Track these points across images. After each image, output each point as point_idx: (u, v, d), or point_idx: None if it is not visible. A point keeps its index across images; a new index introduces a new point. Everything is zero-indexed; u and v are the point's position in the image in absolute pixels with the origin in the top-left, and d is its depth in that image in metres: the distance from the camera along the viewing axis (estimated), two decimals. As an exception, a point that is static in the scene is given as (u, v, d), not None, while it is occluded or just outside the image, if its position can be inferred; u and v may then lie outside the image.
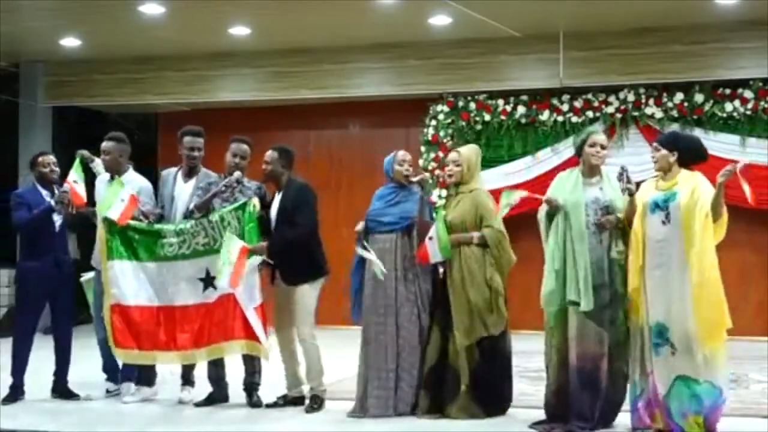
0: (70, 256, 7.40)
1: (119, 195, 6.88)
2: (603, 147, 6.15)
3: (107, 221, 6.84)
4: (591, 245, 5.96)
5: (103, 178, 7.42)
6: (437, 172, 10.98)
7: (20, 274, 7.32)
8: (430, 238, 6.37)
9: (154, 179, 7.55)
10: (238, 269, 6.48)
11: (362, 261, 6.65)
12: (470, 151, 6.69)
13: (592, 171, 6.13)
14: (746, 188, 5.53)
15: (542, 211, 6.22)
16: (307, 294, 6.78)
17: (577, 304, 5.92)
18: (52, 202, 7.06)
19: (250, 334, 6.64)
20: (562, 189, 6.14)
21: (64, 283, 7.25)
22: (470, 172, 6.56)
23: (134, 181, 7.23)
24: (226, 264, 6.46)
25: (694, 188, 5.76)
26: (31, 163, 7.39)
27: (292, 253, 6.72)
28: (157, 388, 7.30)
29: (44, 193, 7.22)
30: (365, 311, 6.62)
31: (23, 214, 7.17)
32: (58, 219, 7.19)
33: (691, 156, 5.95)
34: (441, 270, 6.58)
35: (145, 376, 7.25)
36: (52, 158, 7.34)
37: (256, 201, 6.77)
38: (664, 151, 5.90)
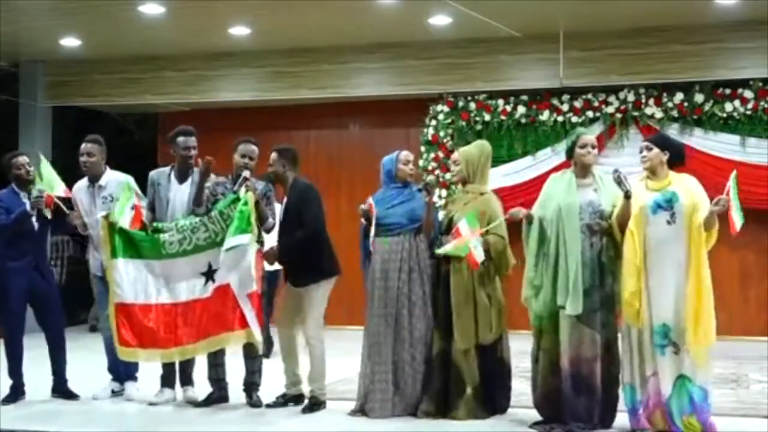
0: (50, 257, 7.33)
1: (129, 203, 6.89)
2: (593, 147, 6.17)
3: (107, 221, 6.84)
4: (582, 248, 5.94)
5: (82, 185, 7.34)
6: (437, 172, 11.00)
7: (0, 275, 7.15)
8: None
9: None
10: (257, 274, 6.56)
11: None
12: (473, 149, 6.63)
13: (584, 171, 6.13)
14: (734, 216, 5.63)
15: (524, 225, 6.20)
16: (316, 295, 6.76)
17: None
18: (28, 206, 7.01)
19: (247, 324, 6.58)
20: (555, 191, 6.13)
21: (46, 284, 7.22)
22: (473, 171, 6.50)
23: (119, 179, 7.18)
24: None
25: (691, 192, 5.82)
26: (5, 166, 7.27)
27: (300, 254, 6.71)
28: (176, 392, 7.19)
29: (21, 194, 7.13)
30: (371, 313, 6.58)
31: (1, 219, 7.08)
32: (36, 222, 7.12)
33: (678, 158, 6.02)
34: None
35: (166, 377, 7.19)
36: (25, 159, 7.25)
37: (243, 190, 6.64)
38: (656, 150, 5.92)
